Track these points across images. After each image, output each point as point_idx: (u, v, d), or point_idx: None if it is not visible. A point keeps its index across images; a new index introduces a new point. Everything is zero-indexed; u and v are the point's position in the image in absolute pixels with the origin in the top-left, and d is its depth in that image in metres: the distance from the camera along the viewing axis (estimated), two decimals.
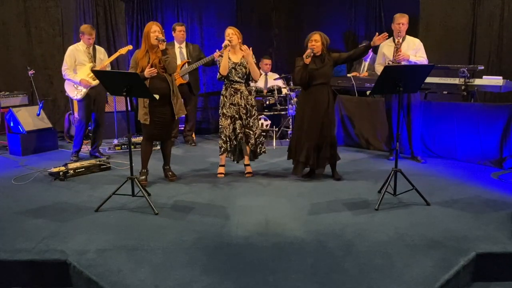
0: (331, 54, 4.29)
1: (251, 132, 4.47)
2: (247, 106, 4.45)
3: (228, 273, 2.58)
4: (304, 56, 4.11)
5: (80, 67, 5.16)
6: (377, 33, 4.16)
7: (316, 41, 4.18)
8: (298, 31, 7.34)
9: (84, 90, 5.16)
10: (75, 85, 5.18)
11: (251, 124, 4.47)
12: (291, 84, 6.27)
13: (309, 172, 4.46)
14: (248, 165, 4.64)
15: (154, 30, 4.02)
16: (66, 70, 5.14)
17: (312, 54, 4.15)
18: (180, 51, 6.02)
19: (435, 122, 5.18)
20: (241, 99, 4.42)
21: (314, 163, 4.31)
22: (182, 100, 6.11)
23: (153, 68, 4.00)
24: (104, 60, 5.32)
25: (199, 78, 6.48)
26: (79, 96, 5.19)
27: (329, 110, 4.25)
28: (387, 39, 5.14)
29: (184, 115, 4.42)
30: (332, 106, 4.33)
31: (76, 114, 5.85)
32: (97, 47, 5.37)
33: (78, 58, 5.15)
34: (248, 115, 4.46)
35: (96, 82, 5.14)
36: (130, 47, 5.48)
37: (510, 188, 4.01)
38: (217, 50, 4.57)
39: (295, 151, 4.38)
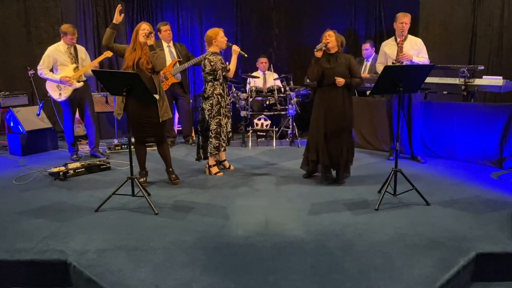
0: (350, 56, 4.17)
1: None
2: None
3: (228, 273, 2.58)
4: (315, 49, 4.06)
5: (62, 67, 5.11)
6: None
7: (330, 36, 4.11)
8: (298, 31, 7.36)
9: (67, 92, 5.11)
10: (58, 86, 5.14)
11: None
12: (291, 84, 6.28)
13: (310, 172, 4.46)
14: (226, 159, 4.85)
15: (143, 28, 3.98)
16: (42, 69, 5.10)
17: (324, 47, 4.08)
18: (169, 50, 6.01)
19: (435, 122, 5.18)
20: (228, 98, 4.63)
21: (331, 166, 4.23)
22: (179, 100, 6.18)
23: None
24: (85, 60, 5.25)
25: (189, 78, 6.49)
26: (62, 98, 5.16)
27: (345, 112, 4.10)
28: (388, 38, 5.18)
29: (168, 118, 4.24)
30: (349, 108, 4.14)
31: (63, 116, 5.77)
32: (78, 46, 5.29)
33: (59, 58, 5.09)
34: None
35: (80, 84, 5.11)
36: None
37: (510, 188, 4.01)
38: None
39: (315, 154, 4.22)
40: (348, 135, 4.20)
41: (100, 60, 5.22)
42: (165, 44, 5.99)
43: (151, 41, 3.97)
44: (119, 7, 3.98)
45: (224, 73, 4.41)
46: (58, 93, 5.17)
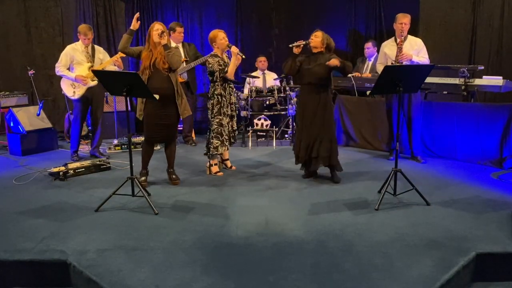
0: (329, 56, 4.15)
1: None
2: (236, 103, 4.73)
3: (228, 273, 2.58)
4: (291, 44, 4.12)
5: (77, 66, 5.16)
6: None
7: (316, 36, 4.15)
8: (298, 31, 7.33)
9: (81, 90, 5.15)
10: (72, 84, 5.18)
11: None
12: (291, 83, 6.27)
13: (310, 172, 4.46)
14: (228, 159, 4.87)
15: (156, 28, 4.01)
16: (59, 67, 5.14)
17: (302, 44, 4.13)
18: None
19: (435, 122, 5.18)
20: (234, 98, 4.68)
21: (307, 162, 4.33)
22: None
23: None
24: (104, 60, 5.31)
25: (196, 77, 6.50)
26: (76, 96, 5.19)
27: (318, 111, 4.13)
28: (389, 38, 5.18)
29: (189, 115, 4.36)
30: (324, 107, 4.15)
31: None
32: (96, 46, 5.35)
33: (76, 57, 5.14)
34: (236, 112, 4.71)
35: (94, 82, 5.14)
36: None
37: (510, 188, 4.01)
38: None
39: (298, 150, 4.35)
40: (325, 135, 4.16)
41: (113, 61, 5.24)
42: (173, 44, 6.02)
43: (164, 40, 4.00)
44: (137, 14, 4.04)
45: (222, 75, 4.45)
46: (72, 91, 5.21)
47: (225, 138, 4.52)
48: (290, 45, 4.15)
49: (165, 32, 4.02)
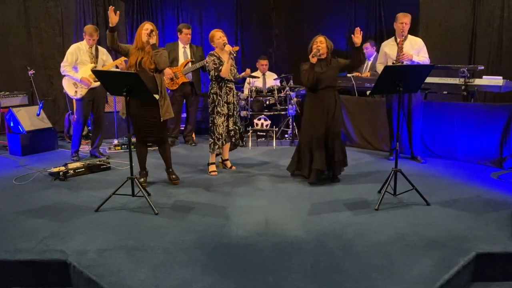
0: (337, 58, 4.28)
1: (237, 128, 4.69)
2: (236, 103, 4.66)
3: (228, 273, 2.58)
4: (310, 55, 4.06)
5: (81, 66, 5.17)
6: (352, 35, 4.03)
7: (321, 43, 4.17)
8: (298, 31, 7.36)
9: (83, 90, 5.16)
10: (74, 84, 5.18)
11: (238, 120, 4.70)
12: (291, 83, 6.27)
13: (310, 172, 4.45)
14: (228, 159, 4.89)
15: (146, 28, 4.00)
16: (65, 66, 5.15)
17: (318, 53, 4.11)
18: (184, 51, 6.08)
19: (435, 122, 5.18)
20: (233, 97, 4.62)
21: (326, 168, 4.28)
22: (184, 101, 6.20)
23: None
24: (107, 62, 5.32)
25: (201, 78, 6.51)
26: (78, 96, 5.20)
27: (336, 113, 4.20)
28: (389, 38, 5.18)
29: (170, 118, 4.23)
30: (339, 109, 4.28)
31: (74, 114, 5.86)
32: (100, 48, 5.35)
33: (80, 56, 5.16)
34: (236, 111, 4.67)
35: (98, 83, 5.15)
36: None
37: (510, 188, 4.01)
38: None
39: (308, 158, 4.26)
40: (340, 134, 4.30)
41: (117, 63, 5.25)
42: (181, 45, 6.06)
43: (153, 39, 3.98)
44: (111, 8, 3.91)
45: (216, 73, 4.48)
46: (74, 91, 5.21)
47: (217, 137, 4.54)
48: (311, 56, 4.03)
49: (154, 31, 4.00)
